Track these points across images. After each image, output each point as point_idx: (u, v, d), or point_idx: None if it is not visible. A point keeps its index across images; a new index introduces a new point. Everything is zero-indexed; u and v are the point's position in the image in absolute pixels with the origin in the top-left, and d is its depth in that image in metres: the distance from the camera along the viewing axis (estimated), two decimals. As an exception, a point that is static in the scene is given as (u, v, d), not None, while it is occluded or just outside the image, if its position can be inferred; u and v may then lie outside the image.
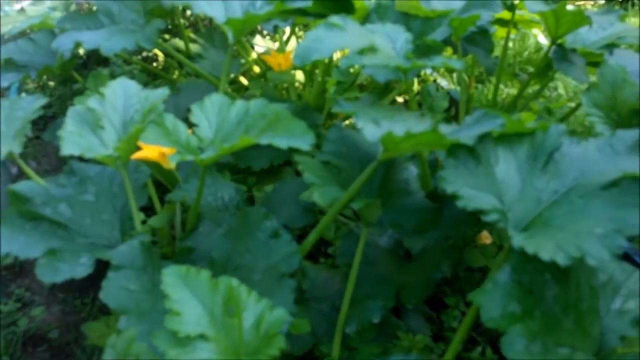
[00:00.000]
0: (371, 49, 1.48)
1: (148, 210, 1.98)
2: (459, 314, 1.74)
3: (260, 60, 2.70)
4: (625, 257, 1.75)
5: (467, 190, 1.15)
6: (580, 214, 1.12)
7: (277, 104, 1.49)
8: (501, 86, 2.93)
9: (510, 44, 3.26)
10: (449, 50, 2.39)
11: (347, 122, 2.38)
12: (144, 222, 1.91)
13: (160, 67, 3.15)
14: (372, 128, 1.24)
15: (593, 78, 1.86)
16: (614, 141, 1.23)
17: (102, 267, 1.44)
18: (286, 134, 1.38)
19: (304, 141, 1.34)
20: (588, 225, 1.07)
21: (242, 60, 2.78)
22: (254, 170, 2.18)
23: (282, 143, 1.34)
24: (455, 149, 1.20)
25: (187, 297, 1.15)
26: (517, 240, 1.06)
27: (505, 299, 1.09)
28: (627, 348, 1.17)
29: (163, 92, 1.58)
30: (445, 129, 1.25)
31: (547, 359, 1.04)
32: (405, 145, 1.27)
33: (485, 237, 1.95)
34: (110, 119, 1.59)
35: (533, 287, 1.12)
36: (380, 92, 2.29)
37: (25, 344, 1.79)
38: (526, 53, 3.17)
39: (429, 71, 2.91)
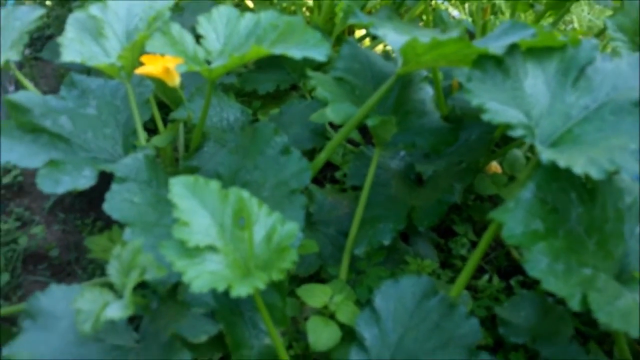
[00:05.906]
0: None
1: (150, 132, 1.91)
2: (467, 242, 1.71)
3: (267, -18, 2.59)
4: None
5: (493, 103, 1.09)
6: (612, 131, 1.07)
7: (290, 16, 1.41)
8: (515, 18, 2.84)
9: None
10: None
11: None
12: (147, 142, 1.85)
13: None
14: (395, 35, 1.16)
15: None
16: (648, 57, 1.17)
17: (102, 188, 1.38)
18: (300, 44, 1.30)
19: (319, 52, 1.27)
20: (621, 141, 1.02)
21: (249, -18, 2.67)
22: (259, 93, 2.11)
23: (297, 53, 1.27)
24: (483, 61, 1.13)
25: (196, 207, 1.10)
26: (547, 154, 1.00)
27: (528, 217, 1.04)
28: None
29: (169, 1, 1.50)
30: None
31: (571, 279, 1.00)
32: (428, 58, 1.20)
33: (495, 167, 1.90)
34: (113, 27, 1.51)
35: (557, 206, 1.07)
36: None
37: (25, 262, 1.75)
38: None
39: (439, 0, 2.82)
